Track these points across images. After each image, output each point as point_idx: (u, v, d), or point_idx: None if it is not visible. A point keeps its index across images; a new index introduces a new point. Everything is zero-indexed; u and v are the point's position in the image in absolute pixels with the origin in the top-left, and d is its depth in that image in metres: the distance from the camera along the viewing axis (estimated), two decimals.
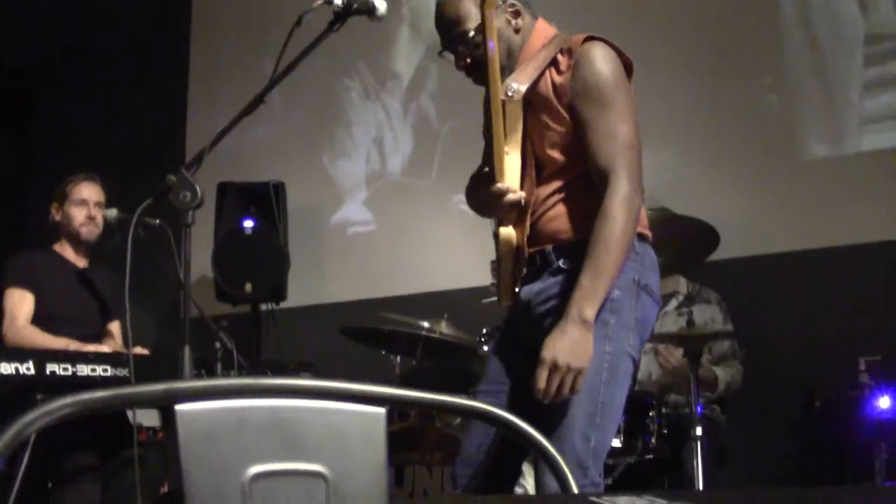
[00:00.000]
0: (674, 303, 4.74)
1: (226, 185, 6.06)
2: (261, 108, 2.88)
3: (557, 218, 2.71)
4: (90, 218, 4.56)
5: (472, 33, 2.73)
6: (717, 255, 4.42)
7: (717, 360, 4.58)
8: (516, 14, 2.79)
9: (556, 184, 2.72)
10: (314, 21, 2.79)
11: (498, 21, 2.72)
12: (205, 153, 2.85)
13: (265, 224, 5.95)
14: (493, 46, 2.63)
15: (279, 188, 6.05)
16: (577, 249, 2.63)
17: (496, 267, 2.90)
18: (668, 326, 4.63)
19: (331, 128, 6.62)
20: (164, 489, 4.86)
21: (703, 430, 3.84)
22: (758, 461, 4.80)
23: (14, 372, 3.45)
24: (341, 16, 2.80)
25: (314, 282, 6.31)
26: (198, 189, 2.77)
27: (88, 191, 4.61)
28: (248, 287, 5.81)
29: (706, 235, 4.24)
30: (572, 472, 2.37)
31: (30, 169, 7.40)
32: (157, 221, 3.28)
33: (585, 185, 2.67)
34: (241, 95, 2.97)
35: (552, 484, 2.46)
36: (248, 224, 5.93)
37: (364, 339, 4.87)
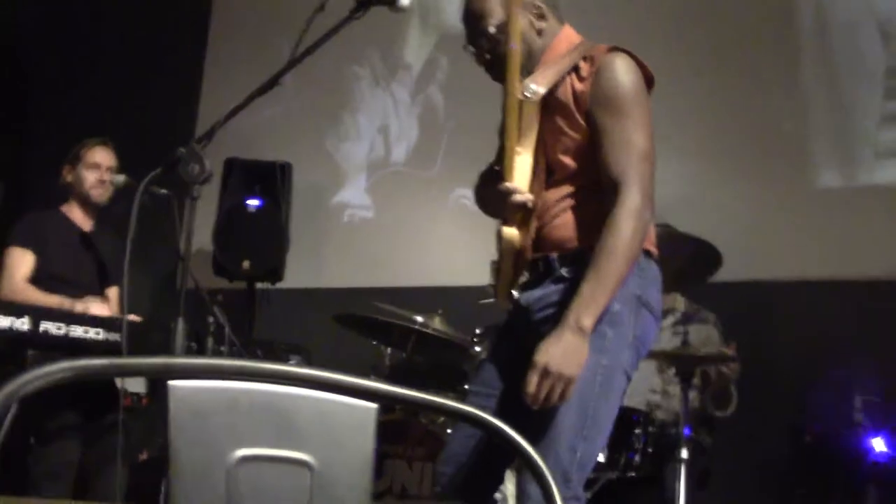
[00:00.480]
0: (670, 319, 4.73)
1: (232, 162, 6.06)
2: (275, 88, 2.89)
3: (564, 225, 2.69)
4: (101, 181, 4.58)
5: (494, 30, 2.73)
6: (718, 276, 4.41)
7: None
8: (541, 16, 2.78)
9: (565, 190, 2.70)
10: (334, 6, 2.79)
11: (521, 21, 2.72)
12: (216, 129, 2.86)
13: (269, 203, 5.95)
14: (515, 46, 2.63)
15: (285, 169, 6.04)
16: (581, 258, 2.61)
17: (496, 267, 2.87)
18: (663, 343, 4.62)
19: (338, 112, 6.62)
20: (144, 456, 4.87)
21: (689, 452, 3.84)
22: (741, 489, 4.78)
23: (9, 326, 3.46)
24: (364, 4, 2.80)
25: (312, 265, 6.31)
26: (206, 163, 2.77)
27: (101, 155, 4.63)
28: (246, 264, 5.82)
29: (709, 255, 4.23)
30: (556, 483, 2.38)
31: (29, 135, 7.38)
32: (164, 191, 3.28)
33: (594, 193, 2.64)
34: (256, 74, 2.97)
35: (534, 493, 2.47)
36: (252, 202, 5.94)
37: (357, 327, 4.87)
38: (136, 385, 4.81)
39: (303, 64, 2.93)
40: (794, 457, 4.57)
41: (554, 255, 2.70)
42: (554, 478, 2.40)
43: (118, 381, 4.08)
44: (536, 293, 2.73)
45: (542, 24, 2.79)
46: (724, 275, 4.32)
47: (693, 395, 4.28)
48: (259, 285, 6.04)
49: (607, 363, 2.57)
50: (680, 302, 4.76)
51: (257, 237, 5.87)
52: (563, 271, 2.68)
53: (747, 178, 5.24)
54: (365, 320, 4.72)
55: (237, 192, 6.00)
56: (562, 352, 2.47)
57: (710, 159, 5.39)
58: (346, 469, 1.20)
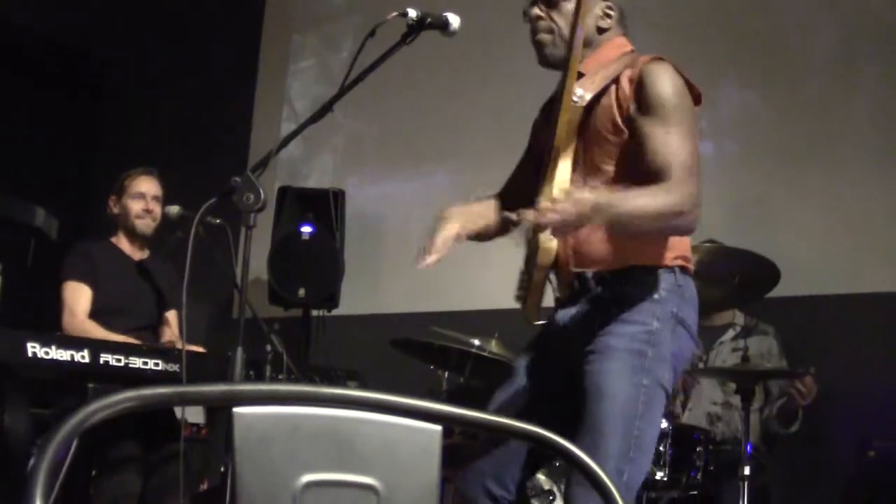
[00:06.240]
0: (730, 333, 4.69)
1: (286, 190, 6.09)
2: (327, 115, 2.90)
3: (601, 242, 2.65)
4: (147, 211, 4.61)
5: (567, 3, 2.73)
6: (777, 291, 4.35)
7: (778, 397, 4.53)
8: (609, 16, 2.78)
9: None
10: (386, 32, 2.80)
11: (593, 8, 2.73)
12: (271, 157, 2.87)
13: (322, 230, 5.97)
14: (581, 33, 2.62)
15: (338, 195, 6.06)
16: (618, 279, 2.62)
17: (524, 278, 2.82)
18: (724, 357, 4.59)
19: (396, 139, 6.63)
20: (204, 486, 4.89)
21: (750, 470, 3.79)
22: None
23: (69, 359, 3.49)
24: (415, 29, 2.81)
25: (367, 291, 6.31)
26: (261, 192, 2.78)
27: (146, 184, 4.66)
28: (302, 292, 5.83)
29: (766, 271, 4.18)
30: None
31: (94, 161, 7.48)
32: (218, 221, 3.31)
33: None
34: (309, 100, 2.99)
35: None
36: (306, 229, 5.95)
37: (413, 352, 4.86)
38: (195, 415, 4.84)
39: (358, 89, 2.94)
40: (857, 473, 4.48)
41: (591, 272, 2.68)
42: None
43: (177, 412, 4.11)
44: (572, 311, 2.71)
45: (608, 23, 2.78)
46: (783, 290, 4.25)
47: (754, 408, 4.24)
48: (315, 312, 6.06)
49: (648, 382, 2.55)
50: (739, 316, 4.72)
51: (312, 265, 5.88)
52: (600, 290, 2.66)
53: (806, 187, 5.15)
54: (422, 345, 4.71)
55: (291, 220, 6.03)
56: (576, 199, 2.39)
57: (769, 168, 5.30)
58: (412, 493, 1.20)
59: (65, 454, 1.06)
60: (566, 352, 2.67)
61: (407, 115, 6.48)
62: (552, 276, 2.79)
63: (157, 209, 4.63)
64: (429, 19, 2.81)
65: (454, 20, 2.83)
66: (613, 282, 2.63)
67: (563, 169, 2.67)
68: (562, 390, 2.67)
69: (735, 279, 4.02)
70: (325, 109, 2.89)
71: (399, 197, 6.47)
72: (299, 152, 6.70)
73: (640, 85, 2.62)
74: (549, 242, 2.67)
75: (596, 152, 2.68)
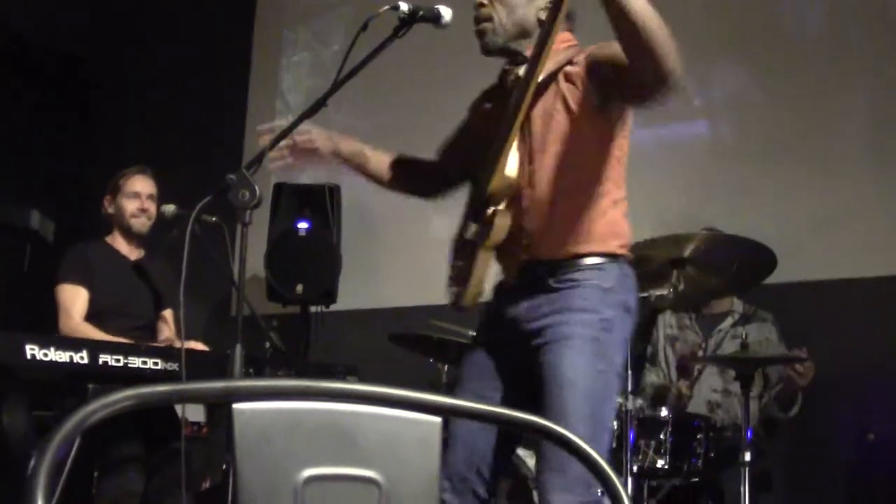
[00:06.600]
0: (729, 321, 4.70)
1: (281, 186, 6.09)
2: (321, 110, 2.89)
3: (552, 229, 2.71)
4: (142, 210, 4.60)
5: None
6: (774, 278, 4.35)
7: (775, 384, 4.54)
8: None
9: (554, 185, 2.71)
10: (378, 26, 2.79)
11: (535, 0, 2.78)
12: (265, 153, 2.87)
13: (319, 226, 5.97)
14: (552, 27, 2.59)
15: (334, 191, 6.06)
16: (568, 269, 2.68)
17: (462, 265, 2.87)
18: (724, 346, 4.60)
19: (389, 134, 6.61)
20: (206, 484, 4.89)
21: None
22: (805, 490, 4.72)
23: (68, 360, 3.49)
24: (407, 22, 2.80)
25: (365, 286, 6.30)
26: (257, 189, 2.78)
27: (141, 183, 4.65)
28: (299, 288, 5.83)
29: (762, 257, 4.19)
30: (576, 489, 2.50)
31: (89, 162, 7.47)
32: (214, 219, 3.30)
33: (584, 192, 2.70)
34: (302, 95, 2.98)
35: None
36: (302, 225, 5.95)
37: (412, 346, 4.87)
38: (196, 414, 4.84)
39: (351, 84, 2.93)
40: (858, 456, 4.49)
41: (543, 261, 2.72)
42: (577, 486, 2.52)
43: (178, 410, 4.11)
44: (524, 304, 2.75)
45: (544, 14, 2.78)
46: (779, 276, 4.26)
47: (753, 394, 4.25)
48: (313, 308, 6.06)
49: (605, 368, 2.64)
50: (737, 304, 4.73)
51: (309, 261, 5.88)
52: (552, 282, 2.70)
53: (799, 172, 5.15)
54: (421, 339, 4.72)
55: (287, 216, 6.02)
56: None
57: (763, 157, 5.30)
58: (413, 485, 1.20)
59: (65, 454, 1.06)
60: (519, 346, 2.72)
61: (401, 109, 6.47)
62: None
63: (152, 208, 4.62)
64: (420, 12, 2.80)
65: (446, 13, 2.82)
66: (564, 271, 2.69)
67: (512, 156, 2.70)
68: (514, 380, 2.76)
69: (734, 267, 4.02)
70: (319, 104, 2.88)
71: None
72: None
73: (589, 54, 2.68)
74: (504, 220, 2.71)
75: (546, 134, 2.72)
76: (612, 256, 2.72)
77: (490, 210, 2.71)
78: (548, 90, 2.73)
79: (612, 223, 2.74)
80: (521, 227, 2.73)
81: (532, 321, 2.71)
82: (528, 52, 2.74)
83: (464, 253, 2.84)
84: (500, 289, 2.86)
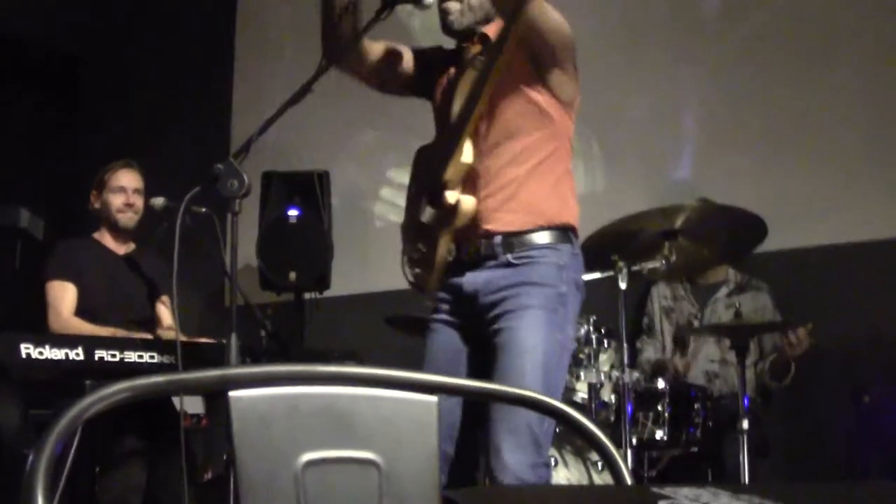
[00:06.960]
0: (724, 290, 4.71)
1: (270, 174, 6.07)
2: (307, 96, 2.89)
3: (507, 203, 2.81)
4: (128, 205, 4.56)
5: None
6: (765, 246, 4.36)
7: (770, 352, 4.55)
8: None
9: (509, 158, 2.81)
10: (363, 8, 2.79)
11: None
12: (252, 142, 2.86)
13: (309, 213, 5.96)
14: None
15: (323, 177, 6.05)
16: (527, 245, 2.79)
17: (421, 241, 2.92)
18: (719, 314, 4.61)
19: (376, 118, 6.60)
20: (208, 476, 4.90)
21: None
22: (802, 454, 4.74)
23: (64, 357, 3.48)
24: (389, 4, 2.80)
25: (358, 270, 6.30)
26: (245, 178, 2.78)
27: (126, 178, 4.61)
28: (292, 276, 5.82)
29: (753, 226, 4.19)
30: (528, 450, 2.58)
31: (77, 159, 7.44)
32: (204, 210, 3.30)
33: (535, 169, 2.80)
34: (287, 83, 2.97)
35: (512, 462, 2.61)
36: (293, 213, 5.94)
37: (408, 328, 4.86)
38: (195, 406, 4.84)
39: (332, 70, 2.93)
40: (854, 418, 4.51)
41: (498, 238, 2.81)
42: (527, 446, 2.60)
43: (177, 403, 4.11)
44: (482, 276, 2.83)
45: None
46: (772, 244, 4.26)
47: (749, 363, 4.27)
48: (307, 295, 6.05)
49: (561, 339, 2.76)
50: (732, 274, 4.74)
51: (301, 248, 5.87)
52: (510, 257, 2.80)
53: (788, 143, 5.15)
54: (416, 320, 4.71)
55: (277, 204, 6.01)
56: None
57: (749, 126, 5.30)
58: (413, 465, 1.20)
59: (64, 449, 1.06)
60: (478, 319, 2.83)
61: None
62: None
63: (138, 202, 4.59)
64: None
65: None
66: (521, 248, 2.79)
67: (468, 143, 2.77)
68: (475, 354, 2.87)
69: (725, 236, 4.03)
70: (305, 90, 2.87)
71: (384, 175, 6.46)
72: (281, 136, 6.67)
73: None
74: (469, 205, 2.78)
75: (498, 108, 2.81)
76: (563, 231, 2.83)
77: (452, 197, 2.78)
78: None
79: (562, 197, 2.86)
80: (480, 205, 2.82)
81: (490, 293, 2.80)
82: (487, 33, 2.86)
83: (424, 237, 2.90)
84: (456, 265, 2.90)
